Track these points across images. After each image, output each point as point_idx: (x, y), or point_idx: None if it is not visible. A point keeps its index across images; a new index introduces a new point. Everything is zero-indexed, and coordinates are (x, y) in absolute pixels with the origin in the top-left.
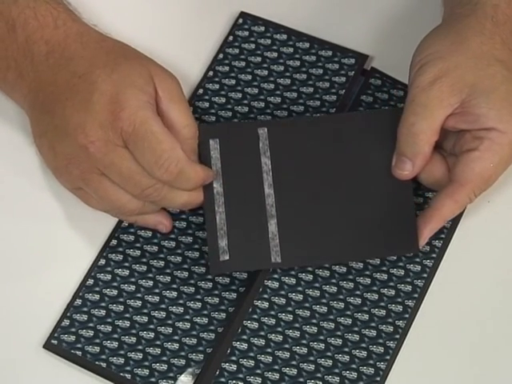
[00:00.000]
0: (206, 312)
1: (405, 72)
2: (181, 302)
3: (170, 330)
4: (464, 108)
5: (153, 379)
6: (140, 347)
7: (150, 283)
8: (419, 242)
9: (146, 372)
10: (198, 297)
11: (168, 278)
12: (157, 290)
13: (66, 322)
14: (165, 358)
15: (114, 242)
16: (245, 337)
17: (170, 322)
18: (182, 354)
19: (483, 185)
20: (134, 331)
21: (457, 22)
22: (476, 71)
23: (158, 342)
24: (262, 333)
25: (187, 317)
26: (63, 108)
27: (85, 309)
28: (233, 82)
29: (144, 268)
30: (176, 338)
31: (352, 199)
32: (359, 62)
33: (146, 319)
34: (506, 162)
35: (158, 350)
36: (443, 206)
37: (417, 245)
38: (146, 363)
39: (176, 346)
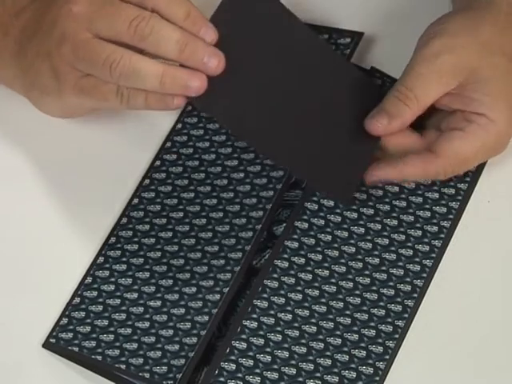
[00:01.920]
0: (206, 310)
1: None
2: (182, 303)
3: (170, 331)
4: (460, 90)
5: (147, 367)
6: (135, 337)
7: (147, 274)
8: (365, 175)
9: (141, 361)
10: (200, 295)
11: (170, 282)
12: (159, 294)
13: (65, 321)
14: (159, 346)
15: (113, 239)
16: (244, 336)
17: (171, 324)
18: (176, 339)
19: (456, 164)
20: (129, 322)
21: (472, 9)
22: (480, 57)
23: (153, 331)
24: (262, 332)
25: (188, 317)
26: (43, 18)
27: (83, 306)
28: None
29: (141, 260)
30: (171, 324)
31: (319, 119)
32: (355, 40)
33: (141, 310)
34: (488, 151)
35: (153, 338)
36: (409, 164)
37: (350, 197)
38: (141, 352)
39: (170, 332)
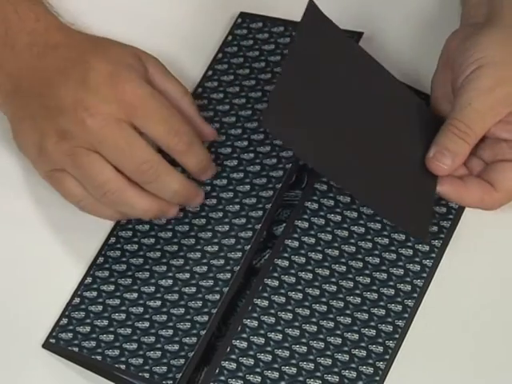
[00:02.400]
0: (206, 310)
1: (404, 72)
2: (182, 303)
3: (170, 332)
4: (508, 117)
5: (147, 367)
6: (135, 337)
7: (147, 274)
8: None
9: (140, 361)
10: (199, 295)
11: (170, 282)
12: (159, 295)
13: (65, 321)
14: (159, 346)
15: (113, 239)
16: (244, 335)
17: (170, 324)
18: (176, 339)
19: (511, 196)
20: (129, 322)
21: (503, 29)
22: None
23: (153, 331)
24: (262, 331)
25: (188, 317)
26: (56, 89)
27: (83, 306)
28: (231, 77)
29: (141, 260)
30: (170, 324)
31: (392, 154)
32: (355, 39)
33: (141, 310)
34: None
35: (153, 338)
36: (471, 193)
37: (427, 233)
38: (141, 352)
39: (170, 332)
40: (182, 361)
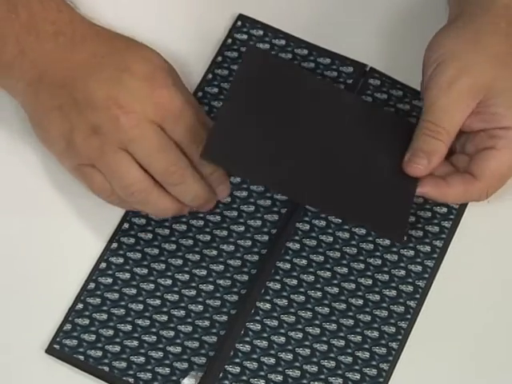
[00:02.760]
0: (207, 315)
1: (404, 72)
2: (182, 305)
3: (172, 333)
4: (480, 108)
5: (156, 383)
6: (142, 351)
7: (152, 286)
8: (417, 189)
9: (149, 376)
10: (200, 299)
11: (169, 281)
12: (158, 293)
13: (68, 327)
14: (167, 362)
15: (115, 245)
16: (247, 339)
17: (172, 325)
18: (185, 357)
19: (497, 183)
20: (136, 335)
21: (470, 21)
22: (493, 71)
23: (161, 346)
24: (265, 334)
25: (189, 320)
26: (86, 82)
27: (86, 313)
28: None
29: (145, 271)
30: (178, 341)
31: (353, 165)
32: (357, 71)
33: (148, 322)
34: None
35: (161, 354)
36: (452, 186)
37: (403, 235)
38: (149, 367)
39: (178, 349)
40: (193, 381)
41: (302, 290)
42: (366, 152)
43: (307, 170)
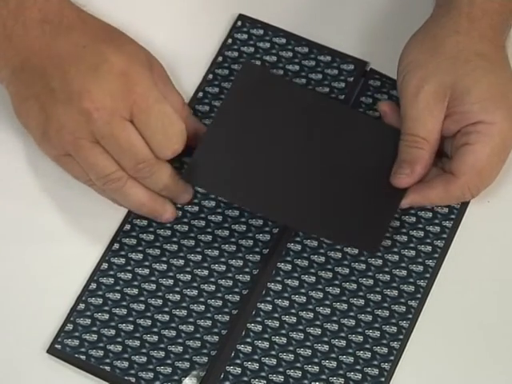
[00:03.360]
0: (209, 315)
1: None
2: (184, 305)
3: (173, 332)
4: (450, 109)
5: (157, 382)
6: (144, 350)
7: (153, 286)
8: (400, 202)
9: (151, 375)
10: (202, 299)
11: (171, 281)
12: (160, 293)
13: (70, 327)
14: (169, 361)
15: (117, 245)
16: (249, 340)
17: (173, 324)
18: (186, 356)
19: (477, 178)
20: (137, 334)
21: (434, 24)
22: (454, 71)
23: (162, 345)
24: (266, 335)
25: (191, 319)
26: (64, 73)
27: (88, 313)
28: None
29: (146, 271)
30: (180, 340)
31: (339, 178)
32: (358, 69)
33: (149, 322)
34: (500, 153)
35: (162, 353)
36: (433, 189)
37: (377, 246)
38: (151, 366)
39: (180, 348)
40: (194, 380)
41: (303, 290)
42: (356, 167)
43: (289, 191)
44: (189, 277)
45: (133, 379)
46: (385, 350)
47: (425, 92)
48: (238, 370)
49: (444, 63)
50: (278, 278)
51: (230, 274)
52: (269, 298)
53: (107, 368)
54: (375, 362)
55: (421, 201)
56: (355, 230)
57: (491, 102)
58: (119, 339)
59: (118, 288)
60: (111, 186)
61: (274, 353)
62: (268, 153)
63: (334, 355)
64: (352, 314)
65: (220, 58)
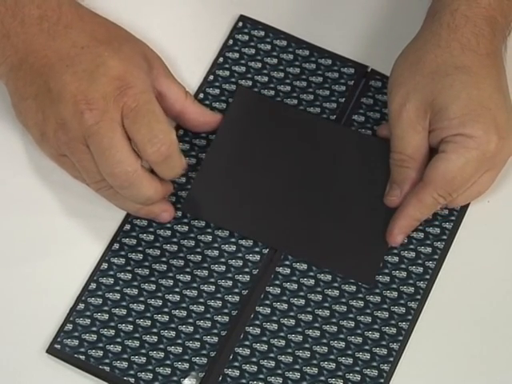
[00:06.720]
0: (209, 315)
1: None
2: (183, 305)
3: (173, 333)
4: (433, 125)
5: (156, 383)
6: (143, 351)
7: (153, 287)
8: (389, 238)
9: (150, 376)
10: (201, 300)
11: (170, 282)
12: (159, 294)
13: (69, 327)
14: (168, 362)
15: (116, 245)
16: (247, 342)
17: (173, 325)
18: (186, 357)
19: (446, 185)
20: (137, 335)
21: (418, 38)
22: (434, 87)
23: (162, 346)
24: (265, 338)
25: (190, 320)
26: (61, 73)
27: (87, 313)
28: (233, 87)
29: (146, 271)
30: (179, 341)
31: (335, 207)
32: (358, 72)
33: (149, 323)
34: (475, 166)
35: (162, 354)
36: (409, 205)
37: (373, 278)
38: (150, 367)
39: (179, 349)
40: (194, 381)
41: (301, 294)
42: (353, 191)
43: (288, 217)
44: (188, 277)
45: (132, 379)
46: (384, 351)
47: (407, 110)
48: (237, 373)
49: (424, 80)
50: (277, 282)
51: (229, 275)
52: (267, 302)
53: (106, 368)
54: (374, 364)
55: (406, 222)
56: (353, 262)
57: (470, 117)
58: (119, 339)
59: (117, 288)
60: (104, 193)
61: (272, 355)
62: (265, 180)
63: (332, 357)
64: (351, 315)
65: (221, 59)
